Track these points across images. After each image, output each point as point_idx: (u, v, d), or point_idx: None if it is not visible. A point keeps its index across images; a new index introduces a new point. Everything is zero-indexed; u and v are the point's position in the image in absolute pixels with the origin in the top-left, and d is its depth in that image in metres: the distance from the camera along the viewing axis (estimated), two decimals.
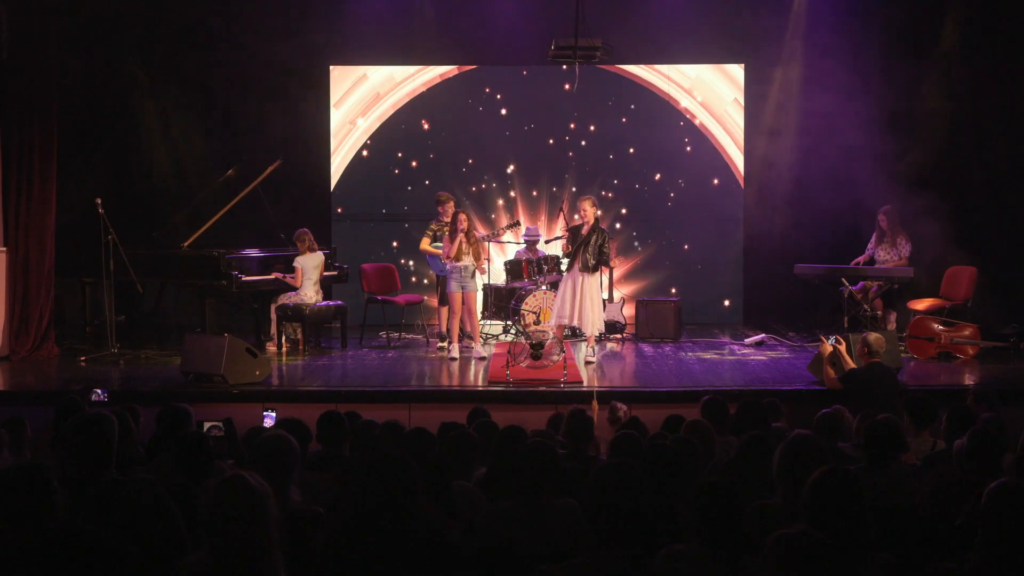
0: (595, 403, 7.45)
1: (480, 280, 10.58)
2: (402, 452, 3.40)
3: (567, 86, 12.45)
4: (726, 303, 12.90)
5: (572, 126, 12.84)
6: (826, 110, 11.91)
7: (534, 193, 12.91)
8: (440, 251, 10.33)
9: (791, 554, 3.00)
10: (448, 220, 10.33)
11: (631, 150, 12.82)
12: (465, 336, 10.40)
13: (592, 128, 12.85)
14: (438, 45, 12.40)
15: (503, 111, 12.83)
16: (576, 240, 9.75)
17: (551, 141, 12.86)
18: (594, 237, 9.68)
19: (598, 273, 9.89)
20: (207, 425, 6.51)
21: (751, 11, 12.08)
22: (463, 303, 10.03)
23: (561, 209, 11.30)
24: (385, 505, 3.22)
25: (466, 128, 12.84)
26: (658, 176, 12.85)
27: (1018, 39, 10.75)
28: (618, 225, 12.83)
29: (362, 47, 12.39)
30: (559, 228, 11.33)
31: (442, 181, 12.43)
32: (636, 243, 12.91)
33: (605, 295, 11.61)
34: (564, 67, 11.77)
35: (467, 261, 9.95)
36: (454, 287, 9.98)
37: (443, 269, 10.63)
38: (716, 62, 12.70)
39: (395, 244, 12.84)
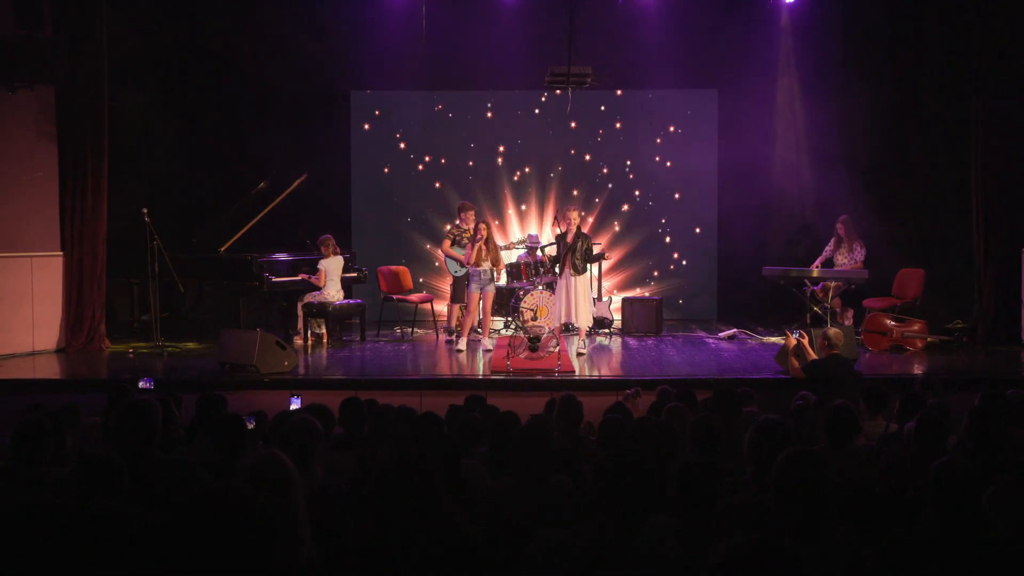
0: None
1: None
2: (423, 451, 3.29)
3: (561, 106, 12.46)
4: (703, 301, 12.88)
5: (567, 141, 12.82)
6: (792, 128, 11.94)
7: (533, 201, 12.91)
8: (461, 255, 10.38)
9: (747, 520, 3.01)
10: (467, 227, 10.43)
11: (624, 162, 12.80)
12: (473, 331, 10.40)
13: (584, 144, 12.83)
14: (446, 71, 12.40)
15: (502, 129, 12.82)
16: (562, 246, 9.78)
17: (549, 155, 12.85)
18: (579, 242, 9.72)
19: (587, 273, 9.91)
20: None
21: (723, 43, 12.04)
22: (480, 302, 10.07)
23: (556, 218, 11.29)
24: (407, 504, 3.09)
25: (470, 145, 12.83)
26: (644, 187, 12.84)
27: (964, 60, 10.73)
28: (611, 231, 12.81)
29: (378, 74, 12.37)
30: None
31: (453, 193, 12.44)
32: (626, 247, 12.89)
33: (595, 294, 11.63)
34: (558, 91, 11.80)
35: (486, 266, 9.98)
36: (474, 288, 10.05)
37: (457, 271, 10.68)
38: (693, 87, 12.69)
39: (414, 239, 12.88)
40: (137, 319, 11.27)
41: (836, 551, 3.20)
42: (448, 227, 11.07)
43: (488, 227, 10.07)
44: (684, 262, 12.88)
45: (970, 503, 3.33)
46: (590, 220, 12.70)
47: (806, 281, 10.93)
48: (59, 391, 8.11)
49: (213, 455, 4.47)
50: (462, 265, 10.45)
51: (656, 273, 12.87)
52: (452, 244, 10.75)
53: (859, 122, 11.66)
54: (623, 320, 11.46)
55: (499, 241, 11.12)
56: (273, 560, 2.60)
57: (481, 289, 10.04)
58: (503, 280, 11.27)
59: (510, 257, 11.92)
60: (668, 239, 12.87)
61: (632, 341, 10.92)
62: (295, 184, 11.25)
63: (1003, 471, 4.10)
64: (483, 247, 9.91)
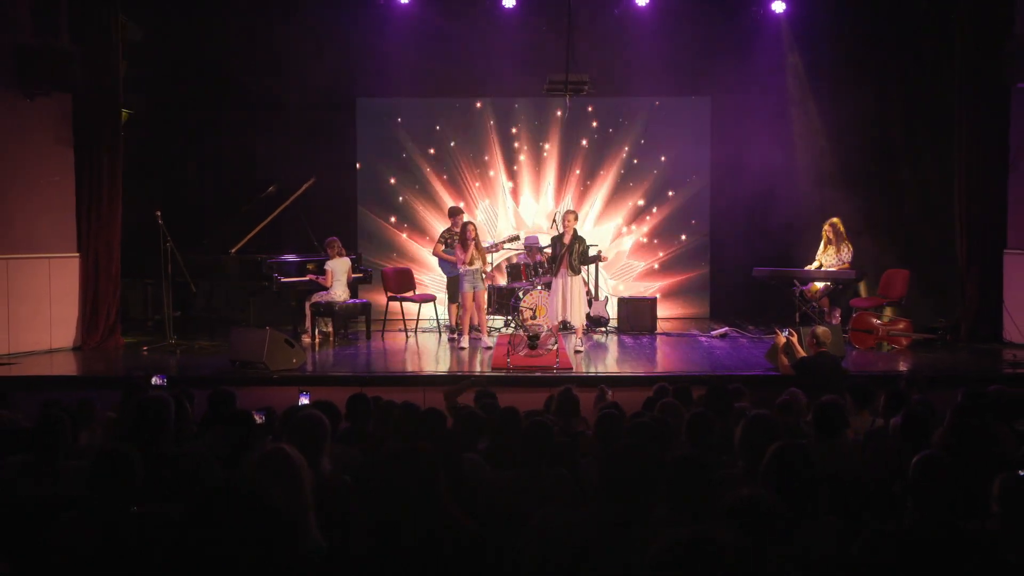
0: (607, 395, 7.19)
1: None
2: (423, 445, 3.25)
3: (559, 112, 12.49)
4: (696, 301, 12.88)
5: (564, 146, 12.82)
6: (781, 133, 11.93)
7: (531, 203, 12.91)
8: (452, 257, 10.37)
9: (745, 512, 2.99)
10: (457, 230, 10.39)
11: (623, 166, 12.79)
12: (473, 329, 10.39)
13: (582, 148, 12.82)
14: (448, 79, 12.40)
15: (501, 135, 12.82)
16: (558, 248, 9.77)
17: (547, 159, 12.84)
18: (576, 244, 9.72)
19: (580, 274, 9.91)
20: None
21: (716, 52, 12.04)
22: (473, 300, 10.07)
23: (555, 221, 11.29)
24: (408, 495, 3.00)
25: (470, 149, 12.83)
26: (642, 189, 12.83)
27: (949, 68, 10.72)
28: (609, 232, 12.81)
29: (383, 82, 12.38)
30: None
31: (454, 196, 12.46)
32: (624, 248, 12.89)
33: (593, 293, 11.63)
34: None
35: (477, 265, 9.98)
36: (467, 287, 10.02)
37: (452, 271, 10.66)
38: (687, 94, 12.70)
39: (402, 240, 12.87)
40: (151, 318, 11.25)
41: (825, 541, 3.20)
42: (442, 231, 11.06)
43: (475, 228, 10.09)
44: (678, 262, 12.87)
45: (950, 495, 3.32)
46: (587, 222, 12.70)
47: (795, 281, 10.93)
48: (75, 387, 8.07)
49: (222, 449, 4.46)
50: (454, 266, 10.42)
51: (655, 267, 12.87)
52: (445, 248, 10.74)
53: (847, 127, 11.66)
54: (619, 319, 11.45)
55: (491, 240, 11.13)
56: (281, 550, 2.59)
57: (474, 288, 10.04)
58: (503, 280, 11.26)
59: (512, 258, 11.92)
60: (665, 239, 12.86)
61: (628, 339, 10.92)
62: (303, 188, 11.25)
63: (986, 465, 4.09)
64: (473, 248, 9.93)
